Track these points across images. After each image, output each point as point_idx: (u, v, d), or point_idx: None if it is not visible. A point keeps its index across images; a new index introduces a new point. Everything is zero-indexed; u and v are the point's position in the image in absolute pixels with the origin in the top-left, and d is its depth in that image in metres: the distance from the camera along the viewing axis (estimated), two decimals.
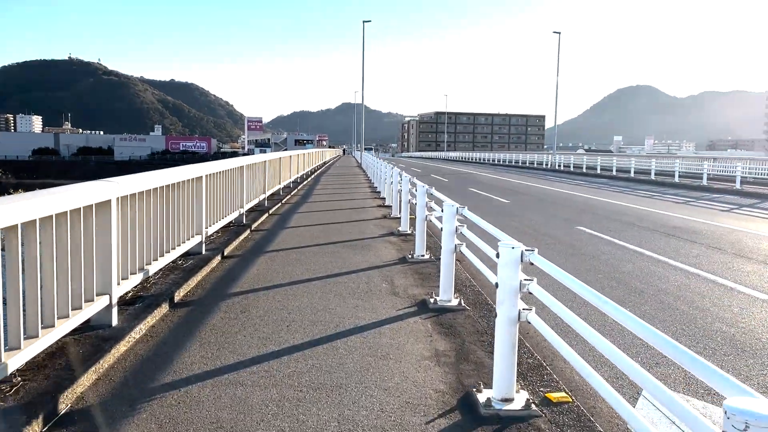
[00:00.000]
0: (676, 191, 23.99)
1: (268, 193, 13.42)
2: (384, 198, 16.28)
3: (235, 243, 8.70)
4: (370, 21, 47.18)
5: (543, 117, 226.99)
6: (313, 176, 27.85)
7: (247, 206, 10.78)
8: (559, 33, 44.55)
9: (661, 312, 6.36)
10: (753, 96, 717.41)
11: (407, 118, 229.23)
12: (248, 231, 9.95)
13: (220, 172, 8.61)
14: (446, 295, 5.93)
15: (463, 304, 5.86)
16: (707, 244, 10.65)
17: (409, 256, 8.20)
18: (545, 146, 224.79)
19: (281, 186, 16.11)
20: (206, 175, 7.71)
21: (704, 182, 26.40)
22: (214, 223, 8.29)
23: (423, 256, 8.18)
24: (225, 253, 8.03)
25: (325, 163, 45.78)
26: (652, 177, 30.68)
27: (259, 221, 11.17)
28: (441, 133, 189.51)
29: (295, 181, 20.98)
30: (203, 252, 7.55)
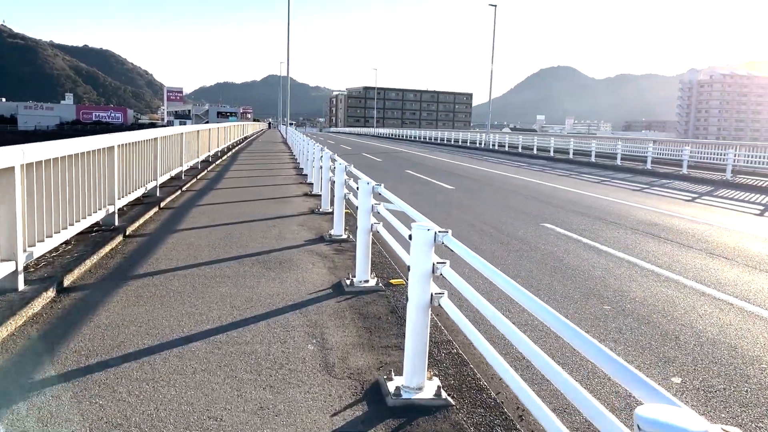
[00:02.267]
0: (623, 175, 22.63)
1: (160, 179, 10.57)
2: (311, 184, 13.70)
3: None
4: None
5: (470, 95, 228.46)
6: (229, 154, 24.75)
7: (121, 202, 7.96)
8: (495, 6, 42.72)
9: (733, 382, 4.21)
10: (665, 79, 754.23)
11: (335, 93, 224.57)
12: (111, 246, 7.18)
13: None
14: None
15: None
16: (705, 250, 8.78)
17: (347, 282, 5.74)
18: (472, 124, 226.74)
19: (182, 168, 13.19)
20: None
21: (648, 166, 25.27)
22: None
23: (367, 282, 5.74)
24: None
25: (246, 138, 42.28)
26: (593, 159, 29.46)
27: (140, 222, 8.36)
28: (370, 108, 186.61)
29: (206, 159, 17.99)
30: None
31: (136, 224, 7.89)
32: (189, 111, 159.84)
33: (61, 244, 5.95)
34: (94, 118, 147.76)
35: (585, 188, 17.11)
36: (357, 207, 7.68)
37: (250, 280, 5.73)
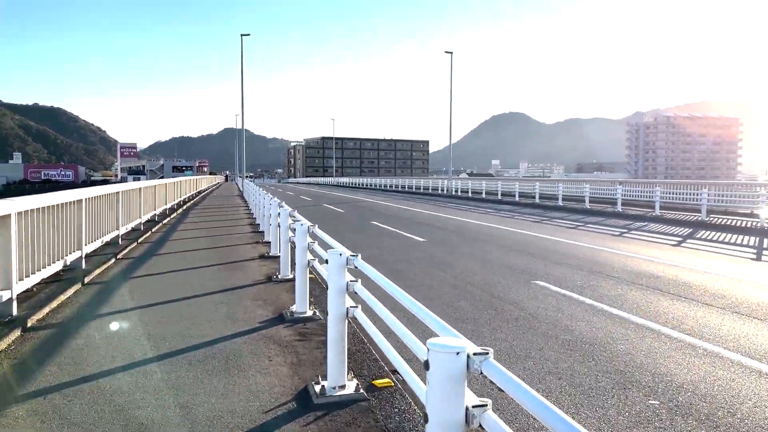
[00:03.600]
0: (596, 218, 21.80)
1: (88, 248, 8.93)
2: (269, 243, 12.20)
3: None
4: (248, 35, 42.88)
5: (427, 142, 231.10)
6: (180, 211, 23.02)
7: (24, 284, 6.31)
8: (451, 53, 42.71)
9: None
10: (612, 122, 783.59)
11: (293, 143, 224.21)
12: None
13: None
14: None
15: None
16: (728, 309, 7.60)
17: (317, 389, 4.26)
18: (429, 170, 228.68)
19: (119, 232, 11.55)
20: None
21: (619, 208, 24.60)
22: None
23: (344, 387, 4.26)
24: None
25: (200, 192, 40.47)
26: (560, 203, 28.75)
27: (50, 308, 6.71)
28: (328, 158, 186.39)
29: (151, 219, 16.31)
30: None
31: (44, 311, 6.26)
32: (143, 167, 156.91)
33: None
34: (43, 177, 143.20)
35: (562, 235, 16.06)
36: (323, 275, 6.32)
37: (183, 394, 4.20)
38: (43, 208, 6.79)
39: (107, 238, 10.56)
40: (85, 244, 8.79)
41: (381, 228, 18.12)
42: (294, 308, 6.62)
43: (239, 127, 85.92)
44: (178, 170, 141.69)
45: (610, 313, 7.30)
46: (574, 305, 7.71)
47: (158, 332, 5.76)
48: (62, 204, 7.57)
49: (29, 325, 5.79)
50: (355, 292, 4.29)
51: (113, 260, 9.90)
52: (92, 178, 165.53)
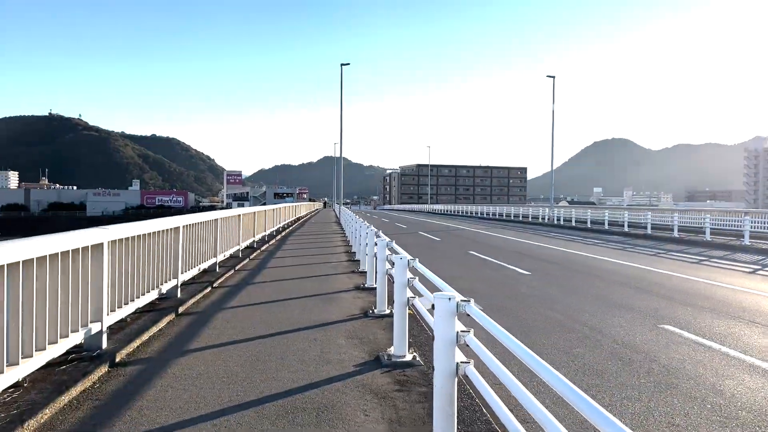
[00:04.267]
0: (721, 253, 19.73)
1: (184, 277, 8.80)
2: (364, 273, 11.73)
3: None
4: (348, 64, 43.65)
5: (525, 169, 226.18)
6: (278, 237, 23.23)
7: (116, 315, 6.09)
8: (554, 77, 41.30)
9: None
10: (726, 148, 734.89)
11: (389, 171, 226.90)
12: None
13: None
14: None
15: None
16: None
17: None
18: (527, 198, 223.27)
19: (216, 260, 11.48)
20: None
21: (746, 241, 22.23)
22: None
23: None
24: None
25: (299, 218, 41.18)
26: (676, 234, 26.50)
27: (140, 341, 6.48)
28: (423, 185, 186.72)
29: (250, 246, 16.38)
30: None
31: (134, 344, 5.99)
32: (247, 193, 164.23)
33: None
34: (157, 203, 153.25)
35: (685, 271, 14.48)
36: (423, 313, 5.67)
37: None
38: (139, 236, 6.62)
39: (205, 265, 10.47)
40: (182, 272, 8.66)
41: (480, 259, 17.23)
42: (392, 351, 5.98)
43: (337, 155, 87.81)
44: (279, 197, 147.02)
45: (764, 370, 6.11)
46: (717, 357, 6.56)
47: (247, 374, 5.30)
48: (158, 232, 7.42)
49: (118, 360, 5.52)
50: (467, 345, 3.60)
51: (209, 288, 9.75)
52: (201, 203, 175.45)
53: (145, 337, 6.33)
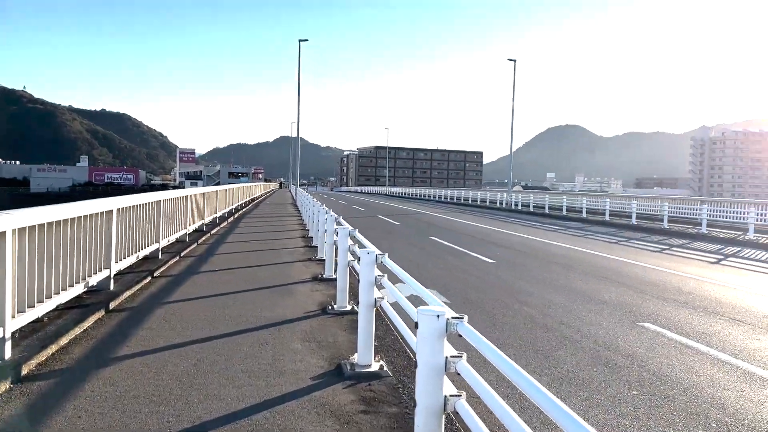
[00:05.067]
0: (681, 241, 19.65)
1: (118, 266, 7.78)
2: (323, 261, 10.90)
3: None
4: (306, 40, 42.12)
5: (481, 153, 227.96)
6: (231, 219, 22.11)
7: (31, 314, 5.11)
8: (515, 61, 40.90)
9: None
10: (674, 137, 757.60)
11: (346, 152, 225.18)
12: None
13: None
14: None
15: None
16: None
17: None
18: (482, 182, 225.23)
19: (160, 245, 10.46)
20: None
21: (704, 229, 22.27)
22: None
23: None
24: None
25: (253, 199, 39.85)
26: (634, 221, 26.52)
27: (56, 347, 5.52)
28: (381, 167, 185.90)
29: (199, 229, 15.30)
30: None
31: (48, 352, 5.04)
32: (201, 172, 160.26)
33: None
34: (106, 180, 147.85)
35: (649, 260, 14.16)
36: (392, 317, 4.93)
37: None
38: (59, 222, 5.62)
39: (145, 252, 9.45)
40: (116, 261, 7.65)
41: (441, 245, 16.59)
42: (355, 359, 5.20)
43: (294, 134, 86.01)
44: (234, 176, 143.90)
45: (761, 378, 5.59)
46: (708, 363, 6.03)
47: (181, 391, 4.44)
48: (85, 216, 6.41)
49: (24, 372, 4.57)
50: (458, 373, 2.84)
51: (149, 279, 8.76)
52: (152, 182, 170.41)
53: (63, 341, 5.37)
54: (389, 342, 5.97)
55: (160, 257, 10.24)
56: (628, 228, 25.07)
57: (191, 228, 13.87)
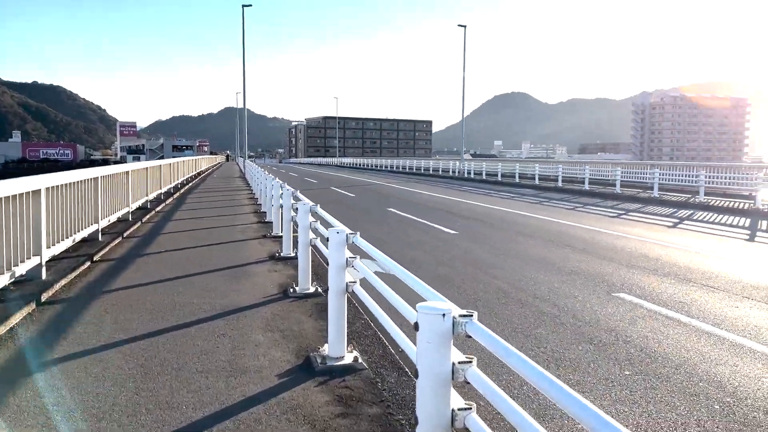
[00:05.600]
0: (636, 205, 19.80)
1: (51, 251, 6.97)
2: (279, 238, 10.26)
3: None
4: (250, 5, 40.36)
5: (430, 122, 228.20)
6: (177, 195, 21.05)
7: None
8: (465, 26, 40.36)
9: None
10: (615, 103, 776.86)
11: (294, 123, 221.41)
12: None
13: None
14: None
15: None
16: None
17: None
18: (433, 151, 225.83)
19: (99, 227, 9.59)
20: None
21: (655, 193, 22.55)
22: None
23: None
24: None
25: (200, 173, 38.42)
26: (587, 187, 26.72)
27: None
28: (330, 138, 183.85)
29: (143, 206, 14.34)
30: None
31: None
32: (143, 146, 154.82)
33: None
34: (42, 156, 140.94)
35: (611, 226, 14.07)
36: (365, 301, 4.42)
37: None
38: None
39: (83, 234, 8.60)
40: (48, 246, 6.83)
41: (401, 217, 16.13)
42: (326, 351, 4.66)
43: (240, 105, 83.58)
44: (178, 150, 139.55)
45: (750, 350, 5.35)
46: (694, 335, 5.76)
47: (128, 399, 3.81)
48: (7, 198, 5.60)
49: None
50: (467, 382, 2.33)
51: (87, 264, 7.95)
52: (92, 157, 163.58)
53: None
54: (360, 327, 5.46)
55: (100, 239, 9.39)
56: (581, 194, 25.22)
57: (134, 206, 12.93)
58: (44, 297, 6.08)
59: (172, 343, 4.93)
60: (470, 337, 2.30)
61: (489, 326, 5.92)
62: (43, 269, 6.61)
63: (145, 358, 4.57)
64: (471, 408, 2.35)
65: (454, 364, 2.33)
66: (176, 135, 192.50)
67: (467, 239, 11.98)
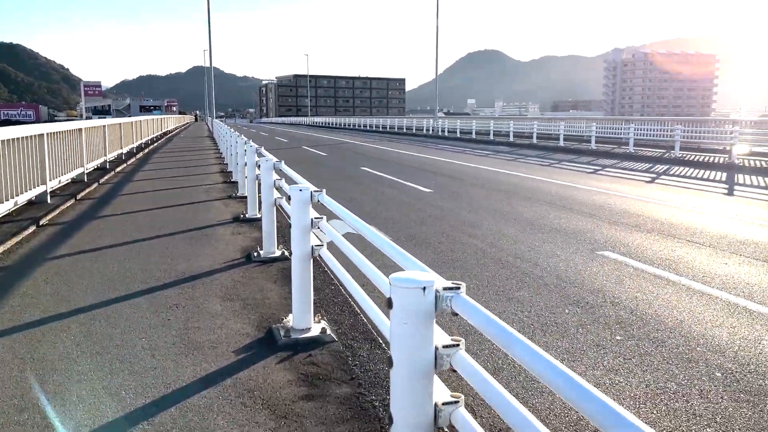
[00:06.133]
0: (610, 161, 19.52)
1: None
2: (244, 199, 9.68)
3: None
4: None
5: (403, 80, 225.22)
6: (140, 155, 20.14)
7: None
8: None
9: None
10: (587, 60, 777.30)
11: (265, 82, 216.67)
12: None
13: None
14: None
15: None
16: None
17: None
18: (406, 109, 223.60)
19: (47, 188, 8.89)
20: None
21: (631, 149, 22.32)
22: None
23: None
24: None
25: (166, 133, 37.13)
26: (561, 143, 26.38)
27: None
28: (302, 97, 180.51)
29: (101, 167, 13.54)
30: None
31: None
32: (109, 106, 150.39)
33: None
34: (2, 117, 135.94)
35: (588, 182, 13.76)
36: (336, 270, 3.96)
37: None
38: None
39: (27, 196, 7.91)
40: None
41: (374, 175, 15.59)
42: (290, 322, 4.19)
43: (208, 64, 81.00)
44: (146, 110, 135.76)
45: (745, 309, 5.03)
46: (684, 294, 5.43)
47: (57, 389, 3.30)
48: None
49: None
50: (453, 369, 1.87)
51: (32, 228, 7.30)
52: (56, 118, 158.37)
53: None
54: (330, 294, 5.00)
55: (48, 201, 8.70)
56: (556, 150, 24.90)
57: (90, 166, 12.16)
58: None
59: (117, 316, 4.40)
60: (457, 314, 1.83)
61: (470, 289, 5.35)
62: None
63: (84, 333, 4.05)
64: (458, 401, 1.90)
65: (437, 348, 1.87)
66: (143, 95, 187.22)
67: (443, 197, 11.53)
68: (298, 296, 4.08)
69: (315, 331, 4.07)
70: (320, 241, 4.14)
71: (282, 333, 4.05)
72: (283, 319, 4.29)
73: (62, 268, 5.72)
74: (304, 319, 4.09)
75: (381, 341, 4.01)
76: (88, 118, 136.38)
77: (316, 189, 4.03)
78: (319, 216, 4.02)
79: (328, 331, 4.08)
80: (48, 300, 4.75)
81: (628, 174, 15.98)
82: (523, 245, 7.40)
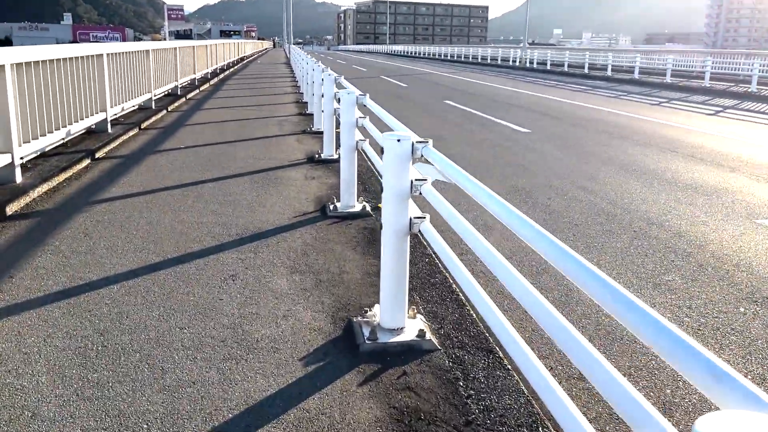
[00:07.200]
0: (733, 102, 17.12)
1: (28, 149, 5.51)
2: (320, 134, 8.60)
3: None
4: None
5: (486, 8, 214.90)
6: (214, 81, 19.38)
7: None
8: None
9: None
10: None
11: (343, 8, 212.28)
12: None
13: None
14: None
15: None
16: None
17: None
18: (488, 39, 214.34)
19: (108, 116, 8.07)
20: None
21: (753, 88, 19.59)
22: None
23: None
24: None
25: (243, 58, 36.37)
26: (668, 80, 23.64)
27: None
28: (380, 24, 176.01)
29: (171, 92, 12.77)
30: None
31: None
32: (191, 30, 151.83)
33: None
34: (91, 39, 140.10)
35: (714, 126, 11.81)
36: (435, 243, 2.80)
37: None
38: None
39: (83, 125, 7.10)
40: (20, 144, 5.35)
41: (461, 110, 14.11)
42: (376, 317, 3.09)
43: None
44: (226, 35, 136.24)
45: None
46: None
47: (74, 390, 2.37)
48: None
49: None
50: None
51: (86, 162, 6.52)
52: (141, 41, 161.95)
53: None
54: (422, 271, 3.87)
55: (109, 130, 7.91)
56: (663, 87, 22.31)
57: (159, 92, 11.37)
58: (9, 210, 4.66)
59: (158, 291, 3.45)
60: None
61: (601, 268, 3.65)
62: (17, 171, 5.17)
63: (117, 313, 3.11)
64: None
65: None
66: (224, 20, 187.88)
67: (542, 139, 10.04)
68: (388, 285, 2.96)
69: (410, 332, 2.97)
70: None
71: (366, 333, 2.97)
72: (366, 311, 3.20)
73: (106, 216, 4.85)
74: (397, 317, 2.98)
75: (501, 354, 2.88)
76: None
77: (420, 140, 2.81)
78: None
79: (428, 335, 2.97)
80: (76, 263, 3.86)
81: (760, 118, 13.77)
82: (655, 206, 5.98)
